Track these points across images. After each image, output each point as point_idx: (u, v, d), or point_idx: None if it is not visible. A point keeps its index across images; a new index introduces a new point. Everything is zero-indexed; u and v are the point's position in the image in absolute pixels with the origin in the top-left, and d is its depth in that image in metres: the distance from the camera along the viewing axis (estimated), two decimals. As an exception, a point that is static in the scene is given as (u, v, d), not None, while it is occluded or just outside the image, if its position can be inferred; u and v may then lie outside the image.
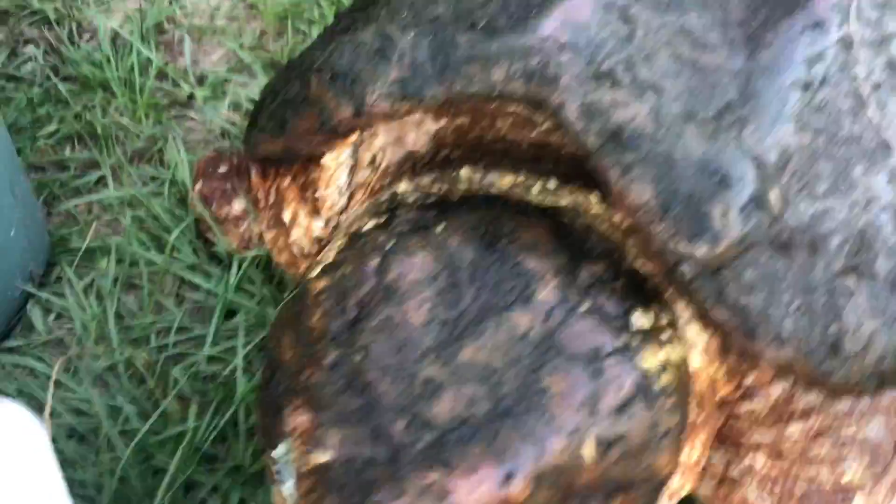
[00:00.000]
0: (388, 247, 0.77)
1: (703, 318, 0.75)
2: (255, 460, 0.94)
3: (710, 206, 0.70)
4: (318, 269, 0.82)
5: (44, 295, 1.07)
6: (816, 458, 0.84)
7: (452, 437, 0.63)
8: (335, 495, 0.57)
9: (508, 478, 0.61)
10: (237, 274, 1.07)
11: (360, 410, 0.64)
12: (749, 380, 0.85)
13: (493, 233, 0.78)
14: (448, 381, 0.67)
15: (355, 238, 0.83)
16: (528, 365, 0.68)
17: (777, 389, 0.84)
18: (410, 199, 0.85)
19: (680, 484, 0.81)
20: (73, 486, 0.90)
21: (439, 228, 0.79)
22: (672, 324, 0.77)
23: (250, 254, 1.07)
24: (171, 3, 1.46)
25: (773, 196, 0.72)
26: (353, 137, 0.87)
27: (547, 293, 0.72)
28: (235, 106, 1.34)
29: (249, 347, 1.01)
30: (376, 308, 0.72)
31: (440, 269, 0.75)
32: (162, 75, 1.36)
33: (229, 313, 1.07)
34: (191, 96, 1.33)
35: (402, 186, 0.89)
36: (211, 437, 0.95)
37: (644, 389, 0.70)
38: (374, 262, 0.76)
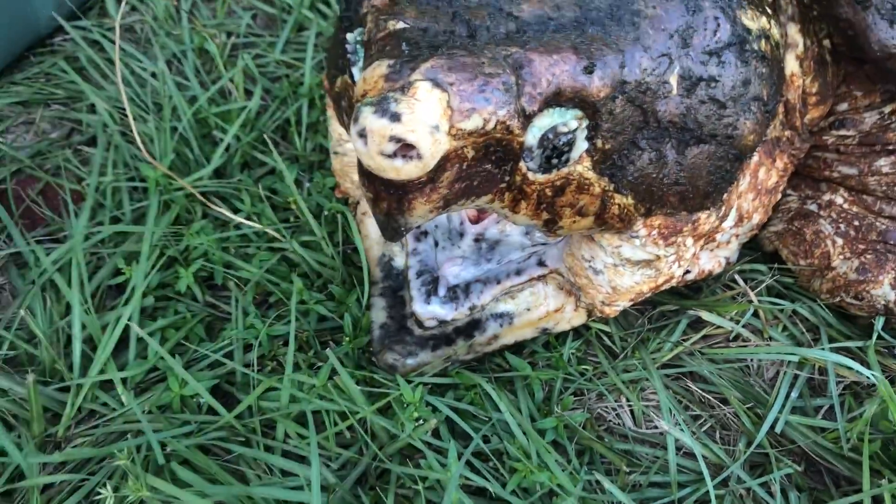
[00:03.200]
0: None
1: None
2: (312, 151, 0.92)
3: None
4: None
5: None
6: (903, 195, 0.79)
7: (534, 29, 0.59)
8: (399, 58, 0.54)
9: (588, 70, 0.57)
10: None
11: (437, 0, 0.61)
12: (843, 106, 0.80)
13: None
14: None
15: None
16: (623, -12, 0.64)
17: (872, 118, 0.79)
18: None
19: (753, 206, 0.77)
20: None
21: None
22: (775, 10, 0.72)
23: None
24: None
25: None
26: None
27: None
28: None
29: (317, 58, 0.99)
30: None
31: None
32: None
33: (299, 29, 1.04)
34: None
35: None
36: (273, 125, 0.93)
37: (741, 42, 0.66)
38: None
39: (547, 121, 0.57)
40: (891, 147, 0.79)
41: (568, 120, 0.58)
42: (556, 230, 0.66)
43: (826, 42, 0.77)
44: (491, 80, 0.54)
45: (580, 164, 0.61)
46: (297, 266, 0.83)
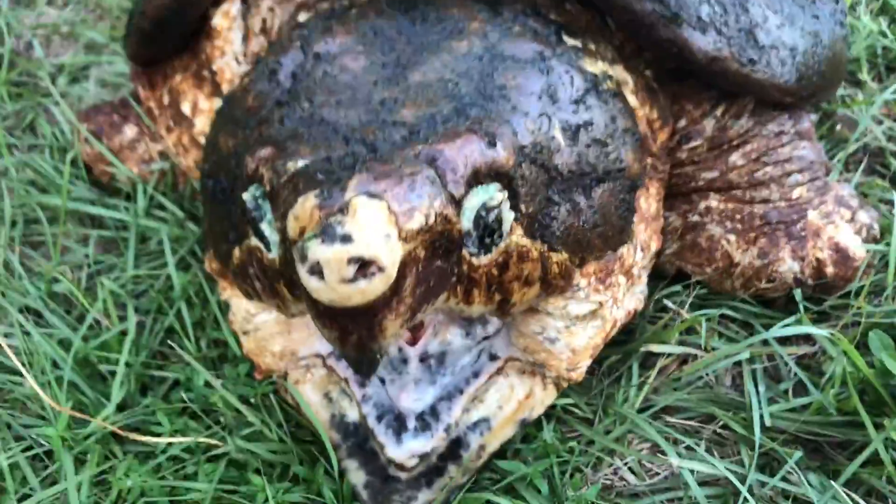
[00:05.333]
0: (305, 34, 0.75)
1: (622, 21, 0.76)
2: (208, 349, 0.86)
3: None
4: (236, 81, 0.79)
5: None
6: (764, 178, 0.87)
7: (425, 126, 0.60)
8: (320, 187, 0.52)
9: (492, 143, 0.59)
10: (145, 197, 1.00)
11: (322, 134, 0.61)
12: (682, 122, 0.87)
13: (406, 4, 0.77)
14: (404, 96, 0.65)
15: (270, 46, 0.80)
16: (479, 72, 0.67)
17: (710, 123, 0.87)
18: (311, 17, 0.83)
19: (647, 235, 0.81)
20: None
21: (353, 11, 0.78)
22: (600, 56, 0.78)
23: (156, 167, 1.00)
24: (5, 14, 1.41)
25: None
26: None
27: (477, 24, 0.73)
28: (103, 83, 1.29)
29: (178, 257, 0.94)
30: (311, 71, 0.70)
31: (365, 32, 0.73)
32: (13, 66, 1.29)
33: (141, 241, 1.00)
34: (52, 82, 1.27)
35: (302, 16, 0.87)
36: (157, 339, 0.87)
37: (594, 86, 0.71)
38: (297, 44, 0.74)
39: (475, 200, 0.58)
40: (735, 143, 0.87)
41: (493, 194, 0.59)
42: (510, 309, 0.65)
43: (647, 72, 0.84)
44: (416, 177, 0.54)
45: (513, 235, 0.61)
46: (246, 465, 0.75)
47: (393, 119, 0.62)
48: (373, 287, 0.50)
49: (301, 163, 0.57)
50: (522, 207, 0.62)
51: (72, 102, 1.23)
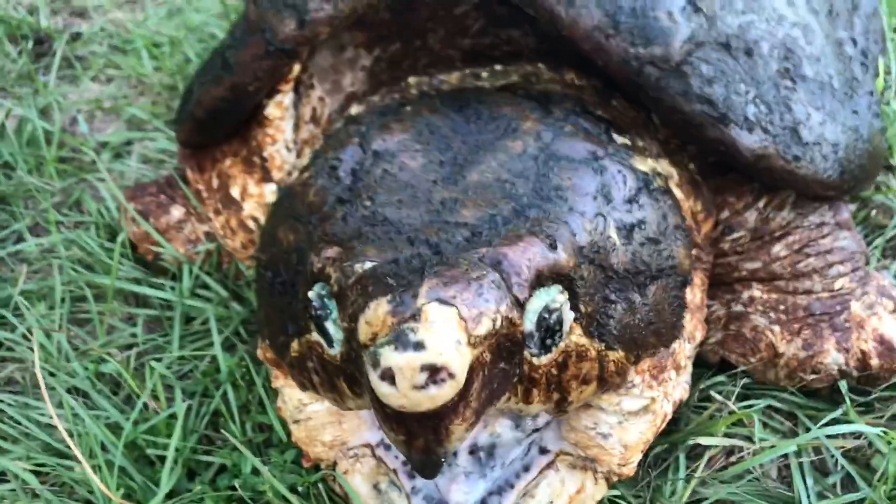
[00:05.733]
0: (362, 130, 0.77)
1: (671, 120, 0.78)
2: (255, 432, 0.87)
3: (656, 12, 0.76)
4: (295, 173, 0.81)
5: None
6: (806, 270, 0.87)
7: (487, 227, 0.62)
8: (391, 291, 0.54)
9: (553, 247, 0.60)
10: (190, 277, 1.02)
11: (387, 233, 0.63)
12: (724, 213, 0.88)
13: (460, 101, 0.80)
14: (464, 196, 0.67)
15: (326, 138, 0.82)
16: (535, 172, 0.69)
17: (752, 216, 0.88)
18: (366, 112, 0.86)
19: (692, 326, 0.82)
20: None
21: (408, 108, 0.80)
22: (647, 151, 0.80)
23: (202, 248, 1.02)
24: (52, 91, 1.45)
25: (705, 4, 0.79)
26: (296, 71, 0.88)
27: (530, 124, 0.75)
28: (145, 159, 1.32)
29: (222, 337, 0.95)
30: (371, 168, 0.72)
31: (421, 130, 0.76)
32: (61, 146, 1.32)
33: (186, 321, 1.01)
34: (93, 162, 1.30)
35: (354, 109, 0.90)
36: (202, 423, 0.87)
37: (646, 184, 0.72)
38: (355, 140, 0.76)
39: (537, 303, 0.59)
40: (777, 234, 0.88)
41: (554, 296, 0.60)
42: (567, 407, 0.66)
43: (691, 166, 0.86)
44: (483, 282, 0.55)
45: (573, 335, 0.62)
46: (294, 556, 0.75)
47: (455, 220, 0.63)
48: (443, 393, 0.51)
49: (368, 264, 0.58)
50: (581, 308, 0.63)
51: (115, 178, 1.26)
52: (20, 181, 1.22)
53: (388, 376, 0.50)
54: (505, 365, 0.57)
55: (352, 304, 0.56)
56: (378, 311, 0.52)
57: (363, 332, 0.53)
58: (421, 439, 0.54)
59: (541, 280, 0.59)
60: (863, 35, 1.00)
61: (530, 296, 0.58)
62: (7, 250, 1.12)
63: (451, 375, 0.50)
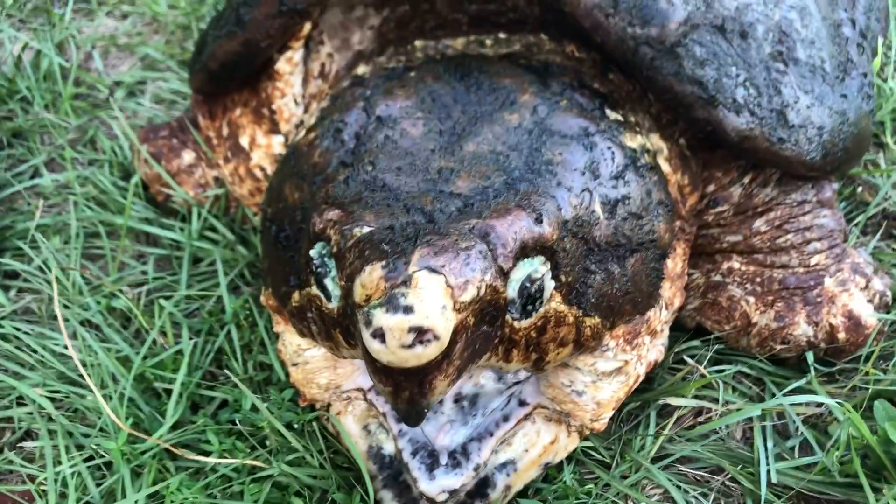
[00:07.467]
0: (367, 94, 0.81)
1: (663, 98, 0.81)
2: (256, 371, 0.92)
3: (655, -7, 0.78)
4: (302, 131, 0.85)
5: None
6: (785, 245, 0.92)
7: (478, 199, 0.66)
8: (385, 257, 0.58)
9: (538, 220, 0.64)
10: (199, 220, 1.06)
11: (385, 199, 0.67)
12: (710, 187, 0.92)
13: (462, 69, 0.83)
14: (459, 166, 0.71)
15: (332, 99, 0.86)
16: (528, 146, 0.73)
17: (737, 191, 0.92)
18: (372, 74, 0.89)
19: (671, 293, 0.86)
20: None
21: (412, 74, 0.84)
22: (639, 126, 0.83)
23: (211, 192, 1.07)
24: (68, 25, 1.47)
25: (702, -14, 0.81)
26: (307, 30, 0.91)
27: (528, 97, 0.78)
28: (158, 99, 1.35)
29: (228, 279, 1.00)
30: (373, 133, 0.76)
31: (424, 97, 0.79)
32: (77, 83, 1.35)
33: (194, 261, 1.06)
34: (107, 99, 1.33)
35: (361, 69, 0.93)
36: (207, 359, 0.93)
37: (633, 161, 0.76)
38: (360, 104, 0.80)
39: (521, 273, 0.63)
40: (760, 209, 0.92)
41: (537, 266, 0.64)
42: (544, 366, 0.71)
43: (681, 140, 0.90)
44: (470, 252, 0.59)
45: (553, 302, 0.67)
46: (288, 487, 0.81)
47: (449, 189, 0.68)
48: (428, 353, 0.56)
49: (366, 229, 0.63)
50: (562, 277, 0.67)
51: (128, 116, 1.30)
52: (37, 116, 1.26)
53: (379, 335, 0.55)
54: (487, 328, 0.62)
55: (349, 266, 0.61)
56: (373, 275, 0.57)
57: (358, 294, 0.58)
58: (406, 392, 0.59)
59: (525, 251, 0.63)
60: (864, 14, 1.02)
61: (514, 266, 0.63)
62: (24, 185, 1.16)
63: (437, 337, 0.55)
